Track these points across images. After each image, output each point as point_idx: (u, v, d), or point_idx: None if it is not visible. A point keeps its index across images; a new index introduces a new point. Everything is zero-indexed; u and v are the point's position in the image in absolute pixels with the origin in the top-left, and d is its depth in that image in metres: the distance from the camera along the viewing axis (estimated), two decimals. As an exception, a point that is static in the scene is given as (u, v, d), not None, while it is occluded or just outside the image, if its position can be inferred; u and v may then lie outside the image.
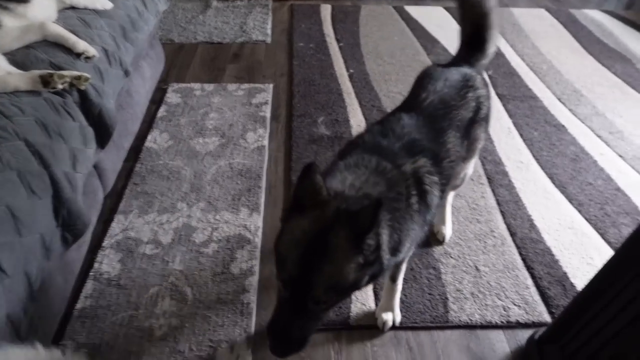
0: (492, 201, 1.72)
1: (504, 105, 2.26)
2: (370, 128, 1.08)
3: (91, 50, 1.36)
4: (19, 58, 1.26)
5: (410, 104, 1.14)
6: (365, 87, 2.33)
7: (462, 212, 1.67)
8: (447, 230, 1.54)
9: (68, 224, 1.11)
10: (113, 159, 1.59)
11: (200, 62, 2.50)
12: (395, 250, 0.87)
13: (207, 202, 1.66)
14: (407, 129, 1.02)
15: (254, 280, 1.41)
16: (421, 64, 2.55)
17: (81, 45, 1.35)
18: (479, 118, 1.20)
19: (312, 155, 1.89)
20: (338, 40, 2.75)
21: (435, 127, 1.06)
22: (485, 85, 1.24)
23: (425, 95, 1.12)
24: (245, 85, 2.29)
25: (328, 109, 2.15)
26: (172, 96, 2.19)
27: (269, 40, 2.74)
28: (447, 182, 1.09)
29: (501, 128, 2.11)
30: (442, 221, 1.54)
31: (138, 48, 1.73)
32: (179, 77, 2.35)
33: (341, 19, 3.01)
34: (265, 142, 1.94)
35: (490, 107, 1.26)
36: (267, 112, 2.12)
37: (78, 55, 1.35)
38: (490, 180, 1.81)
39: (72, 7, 1.53)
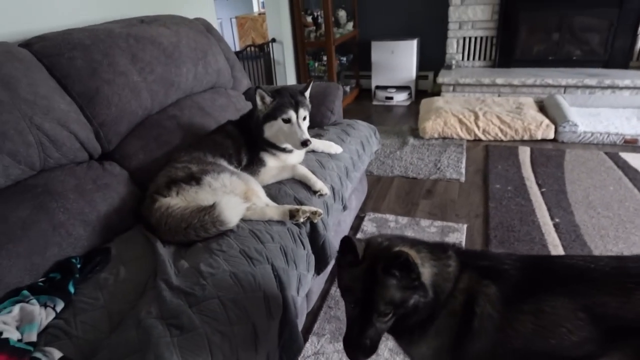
0: None
1: None
2: None
3: (325, 190, 1.62)
4: (273, 192, 1.57)
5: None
6: (576, 241, 2.10)
7: None
8: None
9: (286, 346, 1.23)
10: (318, 281, 1.75)
11: (395, 195, 2.68)
12: None
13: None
14: None
15: None
16: (647, 220, 2.21)
17: (318, 185, 1.63)
18: None
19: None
20: (539, 185, 2.63)
21: None
22: None
23: None
24: (438, 223, 2.33)
25: (529, 260, 1.99)
26: (368, 225, 2.37)
27: (462, 179, 2.80)
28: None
29: None
30: None
31: (354, 184, 1.98)
32: (375, 207, 2.55)
33: (542, 163, 2.91)
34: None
35: None
36: (460, 253, 2.08)
37: (314, 192, 1.62)
38: None
39: (313, 151, 1.88)
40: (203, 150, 1.63)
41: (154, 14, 2.13)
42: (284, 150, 1.70)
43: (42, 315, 1.02)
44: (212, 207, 1.30)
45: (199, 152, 1.61)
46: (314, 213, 1.47)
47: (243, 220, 1.37)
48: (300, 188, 1.62)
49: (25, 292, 1.07)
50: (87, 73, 1.51)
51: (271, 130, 1.66)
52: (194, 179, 1.42)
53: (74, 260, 1.20)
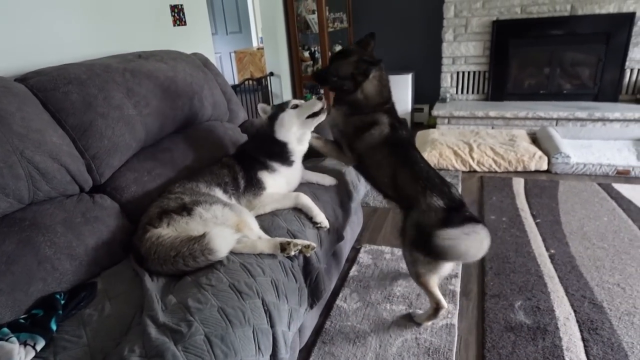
0: None
1: None
2: None
3: (325, 223, 1.63)
4: (266, 224, 1.56)
5: None
6: (572, 273, 2.08)
7: None
8: None
9: (277, 384, 1.19)
10: (312, 315, 1.71)
11: (391, 226, 2.67)
12: None
13: (392, 379, 1.58)
14: None
15: None
16: (644, 252, 2.19)
17: (320, 217, 1.64)
18: None
19: (509, 346, 1.69)
20: (534, 216, 2.63)
21: None
22: None
23: None
24: (434, 254, 2.30)
25: (527, 293, 1.96)
26: (364, 257, 2.34)
27: (458, 210, 2.79)
28: None
29: None
30: None
31: (349, 216, 1.97)
32: (371, 239, 2.53)
33: (536, 194, 2.91)
34: (455, 321, 1.84)
35: None
36: (456, 286, 2.05)
37: (315, 223, 1.62)
38: None
39: (308, 183, 1.88)
40: (197, 181, 1.63)
41: (153, 49, 2.18)
42: (287, 160, 1.75)
43: (21, 354, 0.99)
44: (202, 236, 1.28)
45: (192, 183, 1.62)
46: (307, 247, 1.46)
47: (234, 253, 1.35)
48: (293, 220, 1.60)
49: (5, 329, 1.03)
50: (82, 107, 1.53)
51: (282, 124, 1.73)
52: (186, 210, 1.41)
53: (58, 296, 1.18)
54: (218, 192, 1.62)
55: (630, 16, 3.76)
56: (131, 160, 1.70)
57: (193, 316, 1.08)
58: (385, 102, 1.81)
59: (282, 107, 1.77)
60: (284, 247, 1.40)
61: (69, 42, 1.92)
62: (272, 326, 1.20)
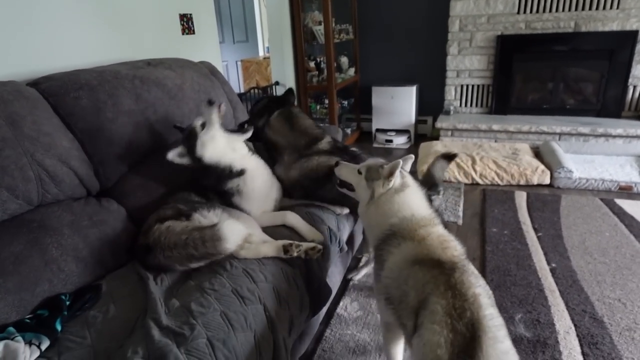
0: None
1: None
2: None
3: (317, 239, 1.59)
4: (269, 230, 1.58)
5: None
6: (573, 287, 2.08)
7: None
8: None
9: (277, 390, 1.19)
10: (313, 323, 1.71)
11: (392, 237, 2.67)
12: None
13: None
14: None
15: None
16: (645, 268, 2.19)
17: (310, 235, 1.61)
18: None
19: None
20: (536, 230, 2.63)
21: None
22: None
23: None
24: (435, 266, 2.31)
25: (527, 306, 1.96)
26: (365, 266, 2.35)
27: (460, 222, 2.80)
28: None
29: None
30: None
31: (352, 228, 1.99)
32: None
33: (538, 208, 2.92)
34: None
35: None
36: (457, 297, 2.05)
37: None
38: None
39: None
40: (189, 190, 1.65)
41: (162, 57, 2.22)
42: (232, 176, 1.67)
43: (26, 353, 1.00)
44: (214, 225, 1.32)
45: (184, 193, 1.64)
46: (313, 249, 1.47)
47: (237, 259, 1.37)
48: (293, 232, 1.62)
49: (11, 328, 1.05)
50: (91, 112, 1.56)
51: (205, 148, 1.62)
52: (184, 215, 1.43)
53: (63, 297, 1.19)
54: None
55: (634, 34, 3.80)
56: (138, 166, 1.73)
57: (196, 320, 1.09)
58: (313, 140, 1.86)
59: (191, 124, 1.64)
60: (286, 249, 1.42)
61: (80, 48, 1.96)
62: (273, 332, 1.21)
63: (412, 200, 1.32)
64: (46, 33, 1.79)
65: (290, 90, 1.99)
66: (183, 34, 2.68)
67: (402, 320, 1.13)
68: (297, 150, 1.84)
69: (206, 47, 2.89)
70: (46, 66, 1.77)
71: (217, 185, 1.66)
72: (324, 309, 1.86)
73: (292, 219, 1.66)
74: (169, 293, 1.25)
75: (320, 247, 1.48)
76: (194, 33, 2.76)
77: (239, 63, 6.25)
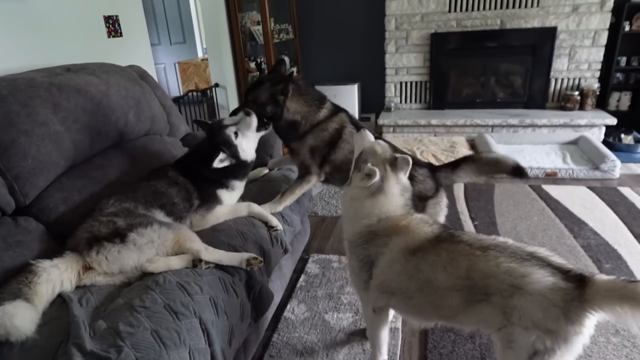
0: None
1: None
2: None
3: (279, 226, 1.74)
4: (208, 239, 1.52)
5: None
6: (506, 272, 2.20)
7: None
8: None
9: (217, 405, 1.16)
10: (258, 329, 1.69)
11: (339, 235, 2.70)
12: None
13: (338, 388, 1.59)
14: None
15: None
16: (568, 247, 2.37)
17: (274, 222, 1.76)
18: None
19: (450, 345, 1.76)
20: (473, 219, 2.77)
21: None
22: None
23: None
24: (380, 261, 2.36)
25: (466, 293, 2.05)
26: (312, 267, 2.36)
27: (402, 216, 2.88)
28: None
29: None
30: None
31: (295, 228, 1.98)
32: (319, 249, 2.55)
33: (475, 197, 3.07)
34: (399, 325, 1.89)
35: None
36: (401, 290, 2.11)
37: (270, 227, 1.71)
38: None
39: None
40: (135, 201, 1.55)
41: (86, 61, 2.09)
42: (246, 175, 1.83)
43: None
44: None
45: (130, 203, 1.53)
46: (255, 259, 1.44)
47: (170, 272, 1.31)
48: (236, 237, 1.58)
49: None
50: (2, 124, 1.44)
51: (243, 149, 1.77)
52: (119, 236, 1.34)
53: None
54: (158, 215, 1.55)
55: (553, 30, 4.08)
56: (60, 179, 1.61)
57: (124, 341, 1.04)
58: (321, 104, 1.90)
59: (225, 133, 1.73)
60: (195, 264, 1.37)
61: (-11, 54, 1.80)
62: (210, 345, 1.18)
63: (384, 206, 1.32)
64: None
65: (281, 60, 2.00)
66: (109, 36, 2.54)
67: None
68: (309, 120, 1.86)
69: (136, 50, 2.76)
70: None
71: (230, 175, 1.74)
72: (269, 314, 1.85)
73: (257, 208, 1.76)
74: (95, 314, 1.17)
75: (261, 259, 1.46)
76: (121, 35, 2.62)
77: (177, 65, 6.05)
